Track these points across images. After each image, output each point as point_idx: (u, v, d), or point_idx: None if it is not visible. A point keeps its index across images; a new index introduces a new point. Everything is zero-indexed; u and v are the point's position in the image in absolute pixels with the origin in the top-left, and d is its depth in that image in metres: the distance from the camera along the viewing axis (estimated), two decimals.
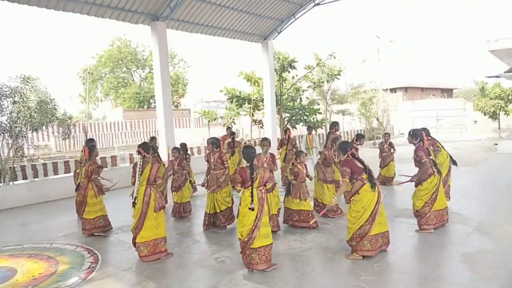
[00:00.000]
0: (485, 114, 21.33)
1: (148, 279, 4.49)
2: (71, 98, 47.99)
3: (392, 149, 9.37)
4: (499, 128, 21.52)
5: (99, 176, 6.28)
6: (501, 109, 20.36)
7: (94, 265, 4.95)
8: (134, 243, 5.01)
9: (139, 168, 4.91)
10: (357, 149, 6.93)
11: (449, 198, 7.07)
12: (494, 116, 20.93)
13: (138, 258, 5.01)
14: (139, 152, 5.06)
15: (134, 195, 4.93)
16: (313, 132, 10.48)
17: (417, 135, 5.68)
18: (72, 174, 9.99)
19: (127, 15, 10.67)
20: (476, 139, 19.88)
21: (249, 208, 4.38)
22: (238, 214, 4.64)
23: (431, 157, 5.60)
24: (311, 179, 6.44)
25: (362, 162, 4.69)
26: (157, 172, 4.99)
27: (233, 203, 6.35)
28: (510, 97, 20.14)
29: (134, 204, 4.95)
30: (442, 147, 6.69)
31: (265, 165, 5.80)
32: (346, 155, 4.82)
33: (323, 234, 5.77)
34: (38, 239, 6.23)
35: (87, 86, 32.69)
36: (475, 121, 26.14)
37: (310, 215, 5.95)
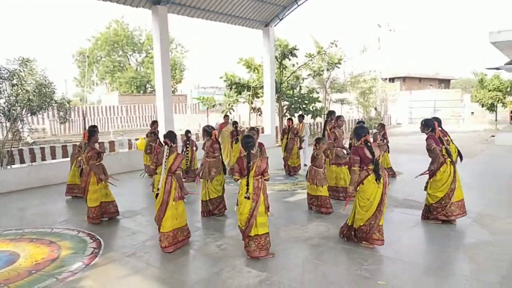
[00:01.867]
0: (482, 106, 21.44)
1: (152, 265, 4.51)
2: (66, 82, 47.39)
3: (385, 140, 9.23)
4: (496, 120, 21.64)
5: (99, 163, 6.13)
6: (499, 101, 20.45)
7: (97, 251, 4.96)
8: (161, 235, 4.92)
9: (166, 159, 4.82)
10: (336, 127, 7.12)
11: None
12: (491, 108, 21.03)
13: (144, 245, 5.07)
14: (165, 143, 4.95)
15: (158, 186, 4.80)
16: (303, 121, 10.51)
17: (429, 125, 5.62)
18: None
19: None
20: (472, 131, 19.99)
21: (244, 197, 4.45)
22: (237, 203, 4.67)
23: (444, 146, 5.57)
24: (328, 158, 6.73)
25: (372, 152, 4.66)
26: (180, 163, 4.90)
27: (223, 192, 6.39)
28: (508, 89, 20.21)
29: (157, 195, 4.83)
30: (451, 140, 6.68)
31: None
32: (359, 142, 4.79)
33: (324, 223, 5.81)
34: (39, 224, 6.21)
35: (82, 69, 32.29)
36: (472, 113, 26.25)
37: (327, 201, 6.22)
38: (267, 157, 4.84)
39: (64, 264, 4.58)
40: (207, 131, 6.43)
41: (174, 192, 4.83)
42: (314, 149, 6.32)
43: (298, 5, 14.42)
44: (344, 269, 4.32)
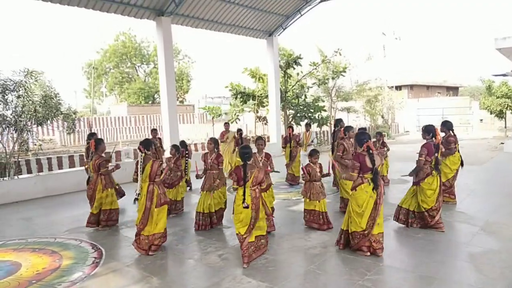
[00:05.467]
0: (491, 113, 21.15)
1: (152, 275, 4.48)
2: (76, 93, 48.10)
3: (385, 148, 9.02)
4: (505, 127, 21.33)
5: (108, 166, 6.33)
6: (508, 108, 20.16)
7: (98, 261, 4.95)
8: (138, 237, 5.05)
9: (141, 165, 4.93)
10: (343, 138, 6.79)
11: (455, 198, 7.01)
12: (500, 115, 20.74)
13: (140, 253, 5.04)
14: (140, 150, 5.07)
15: (138, 191, 4.95)
16: (310, 129, 10.48)
17: (429, 131, 5.58)
18: (77, 168, 10.06)
19: (132, 10, 10.65)
20: (481, 138, 19.74)
21: (244, 207, 4.46)
22: (233, 211, 4.71)
23: (436, 155, 5.51)
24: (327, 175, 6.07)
25: (373, 160, 4.58)
26: (158, 170, 4.99)
27: (225, 205, 6.31)
28: None
29: (136, 200, 5.03)
30: (458, 149, 6.58)
31: (260, 164, 5.75)
32: (362, 148, 4.70)
33: (327, 232, 5.72)
34: (42, 234, 6.24)
35: (91, 81, 32.73)
36: (481, 120, 25.93)
37: (321, 216, 5.81)
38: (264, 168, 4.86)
39: (64, 274, 4.57)
40: (218, 143, 6.39)
41: (156, 200, 4.98)
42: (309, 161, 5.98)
43: (301, 15, 14.50)
44: (346, 279, 4.23)
